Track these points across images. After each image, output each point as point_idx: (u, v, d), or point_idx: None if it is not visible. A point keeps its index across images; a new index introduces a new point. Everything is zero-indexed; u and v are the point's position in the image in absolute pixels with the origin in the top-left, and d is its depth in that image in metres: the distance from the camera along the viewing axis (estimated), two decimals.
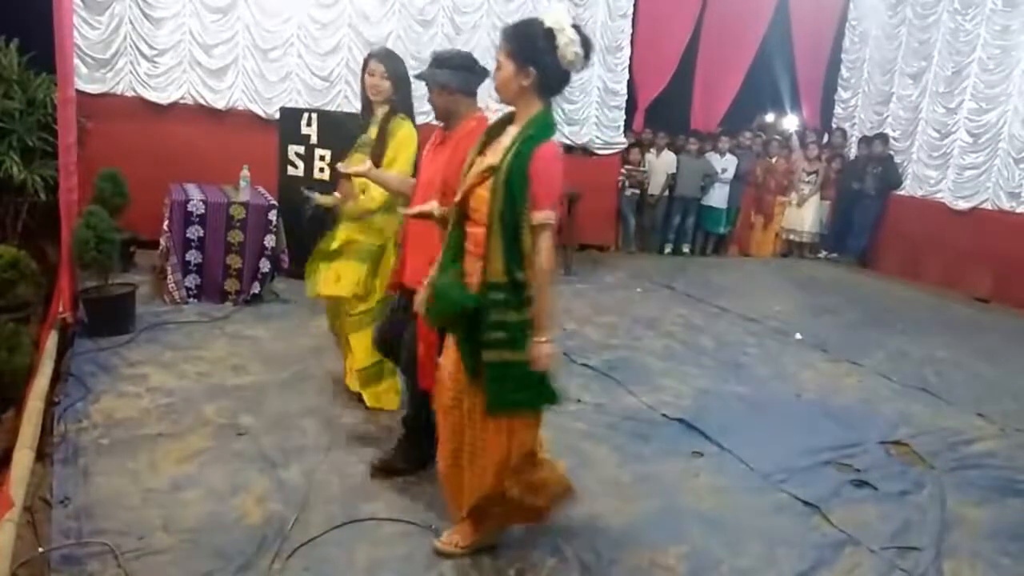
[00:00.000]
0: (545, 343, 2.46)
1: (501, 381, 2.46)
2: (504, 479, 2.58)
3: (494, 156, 2.46)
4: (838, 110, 10.56)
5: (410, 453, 3.32)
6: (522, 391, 2.49)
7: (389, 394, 3.98)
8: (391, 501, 3.12)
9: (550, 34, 2.34)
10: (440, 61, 3.08)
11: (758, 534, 3.13)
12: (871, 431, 4.30)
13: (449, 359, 2.64)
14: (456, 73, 3.04)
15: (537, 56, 2.36)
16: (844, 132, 10.28)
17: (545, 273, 2.42)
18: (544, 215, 2.39)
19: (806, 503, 3.40)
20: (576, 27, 2.37)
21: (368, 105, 3.77)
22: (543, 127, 2.44)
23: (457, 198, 2.55)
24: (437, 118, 3.17)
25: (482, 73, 3.09)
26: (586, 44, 2.38)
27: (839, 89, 10.53)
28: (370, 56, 3.70)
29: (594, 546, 2.94)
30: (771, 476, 3.64)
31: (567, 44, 2.34)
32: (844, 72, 10.45)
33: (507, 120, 2.56)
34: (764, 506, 3.38)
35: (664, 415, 4.28)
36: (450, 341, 2.65)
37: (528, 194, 2.36)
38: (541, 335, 2.44)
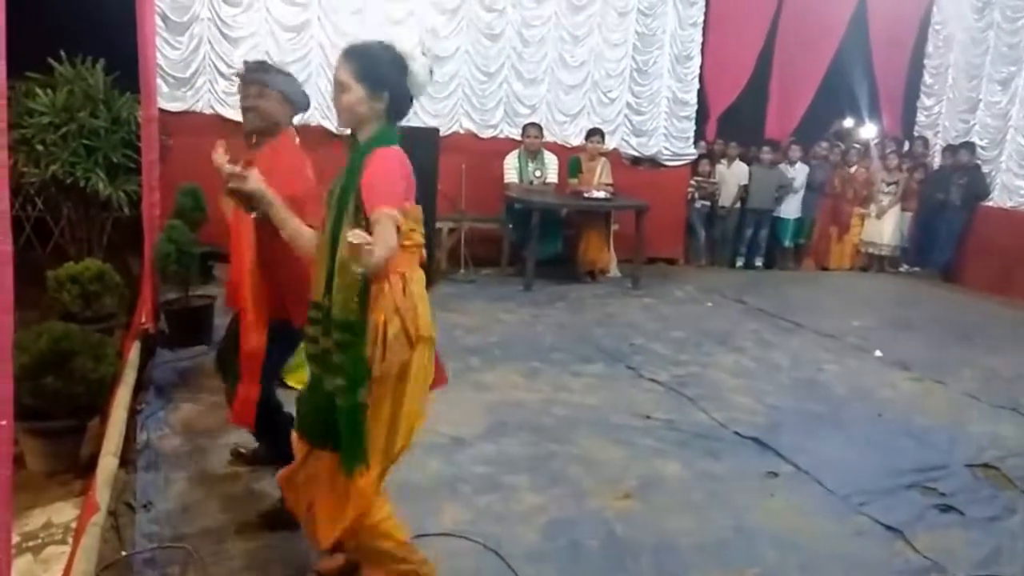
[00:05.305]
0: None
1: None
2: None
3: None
4: (921, 118, 10.22)
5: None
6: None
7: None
8: (456, 515, 3.10)
9: (403, 60, 2.36)
10: (272, 68, 3.06)
11: (836, 559, 3.02)
12: (957, 453, 4.10)
13: None
14: (292, 83, 3.05)
15: (391, 81, 2.35)
16: (926, 141, 9.92)
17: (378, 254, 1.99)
18: (380, 211, 2.10)
19: (888, 527, 3.26)
20: (424, 54, 2.41)
21: None
22: (383, 139, 2.38)
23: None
24: (252, 129, 3.14)
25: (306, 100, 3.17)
26: (430, 72, 2.43)
27: (922, 96, 10.19)
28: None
29: (664, 565, 2.87)
30: (850, 498, 3.50)
31: (418, 71, 2.38)
32: (927, 78, 10.11)
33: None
34: (843, 530, 3.25)
35: (736, 433, 4.17)
36: None
37: (356, 200, 2.21)
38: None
